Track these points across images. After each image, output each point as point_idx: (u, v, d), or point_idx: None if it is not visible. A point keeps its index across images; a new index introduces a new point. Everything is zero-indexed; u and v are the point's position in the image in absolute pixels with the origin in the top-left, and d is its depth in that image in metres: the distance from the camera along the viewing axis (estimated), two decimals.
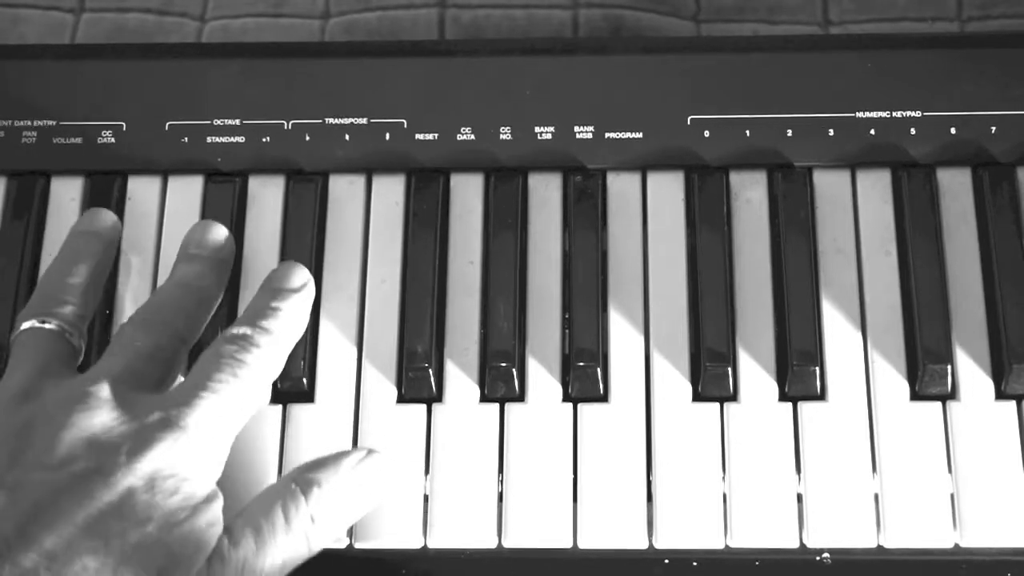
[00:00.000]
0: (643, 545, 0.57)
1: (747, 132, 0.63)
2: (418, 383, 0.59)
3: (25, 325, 0.58)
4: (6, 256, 0.63)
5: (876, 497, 0.57)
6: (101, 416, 0.53)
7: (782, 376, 0.59)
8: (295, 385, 0.60)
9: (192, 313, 0.59)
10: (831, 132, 0.62)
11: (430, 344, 0.60)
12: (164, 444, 0.52)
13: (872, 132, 0.62)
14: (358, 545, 0.57)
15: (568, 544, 0.57)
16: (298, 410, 0.59)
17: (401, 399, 0.60)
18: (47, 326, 0.57)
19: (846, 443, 0.58)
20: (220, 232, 0.61)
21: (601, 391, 0.59)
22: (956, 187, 0.62)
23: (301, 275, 0.60)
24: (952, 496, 0.57)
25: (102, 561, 0.50)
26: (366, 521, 0.57)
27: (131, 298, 0.62)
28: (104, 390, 0.54)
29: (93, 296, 0.60)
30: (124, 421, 0.53)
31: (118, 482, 0.51)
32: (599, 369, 0.59)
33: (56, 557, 0.49)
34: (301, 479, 0.55)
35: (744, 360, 0.59)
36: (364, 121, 0.64)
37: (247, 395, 0.56)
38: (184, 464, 0.53)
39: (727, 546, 0.57)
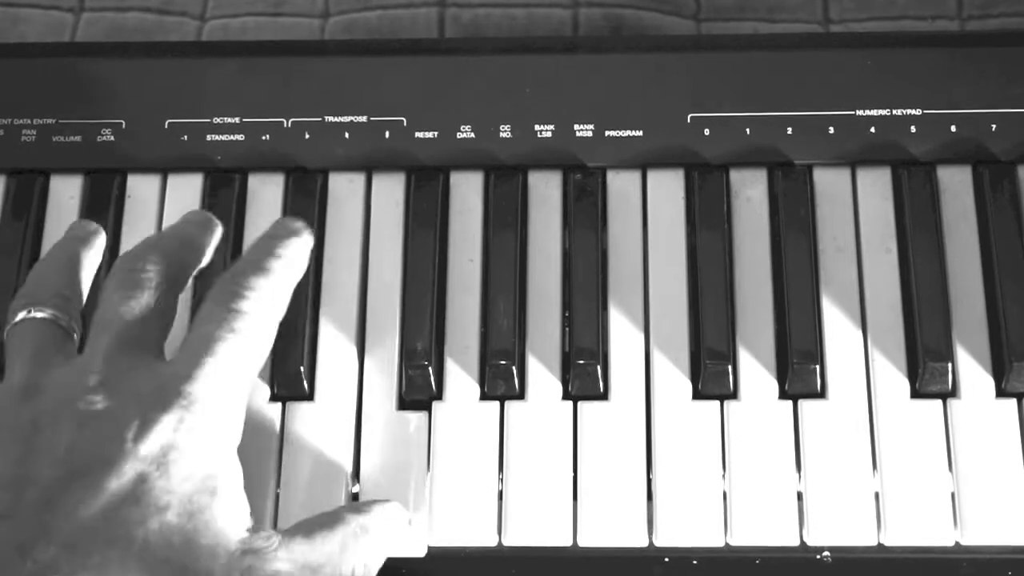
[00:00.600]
0: (643, 543, 0.57)
1: (747, 130, 0.63)
2: (418, 381, 0.59)
3: (17, 317, 0.56)
4: (5, 254, 0.63)
5: (876, 495, 0.57)
6: (102, 403, 0.52)
7: (782, 374, 0.59)
8: (295, 383, 0.59)
9: (174, 256, 0.57)
10: (831, 130, 0.62)
11: (430, 342, 0.59)
12: (169, 422, 0.51)
13: (872, 130, 0.62)
14: None
15: (568, 542, 0.57)
16: (298, 409, 0.59)
17: (401, 397, 0.60)
18: (38, 315, 0.56)
19: (846, 441, 0.58)
20: (202, 214, 0.60)
21: (601, 389, 0.59)
22: (956, 185, 0.62)
23: (298, 223, 0.58)
24: (952, 494, 0.57)
25: (122, 550, 0.49)
26: None
27: None
28: (102, 374, 0.53)
29: (82, 282, 0.59)
30: (126, 403, 0.52)
31: (126, 469, 0.50)
32: (599, 367, 0.59)
33: (75, 549, 0.48)
34: (359, 522, 0.54)
35: (744, 358, 0.59)
36: (364, 119, 0.64)
37: (250, 348, 0.54)
38: (196, 439, 0.51)
39: (727, 544, 0.57)
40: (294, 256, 0.57)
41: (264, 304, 0.55)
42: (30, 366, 0.55)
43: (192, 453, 0.51)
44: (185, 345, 0.54)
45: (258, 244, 0.57)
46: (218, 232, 0.60)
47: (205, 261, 0.59)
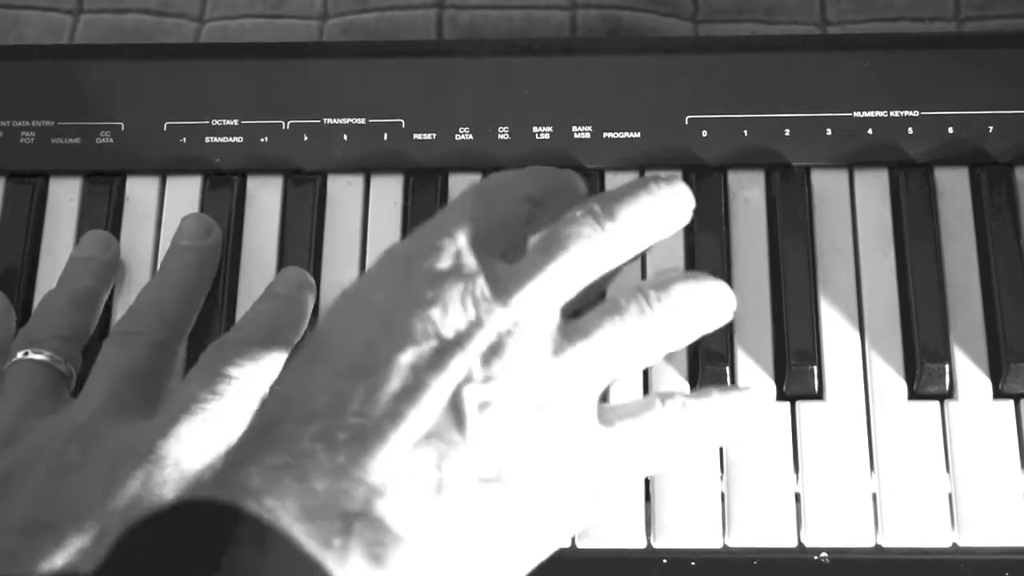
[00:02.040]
0: (641, 545, 0.57)
1: (745, 132, 0.63)
2: None
3: (15, 357, 0.57)
4: (4, 257, 0.63)
5: (874, 496, 0.57)
6: (75, 457, 0.52)
7: (780, 375, 0.59)
8: None
9: (170, 315, 0.58)
10: (829, 132, 0.63)
11: None
12: (137, 478, 0.51)
13: (870, 132, 0.62)
14: None
15: (567, 544, 0.57)
16: None
17: None
18: (36, 357, 0.57)
19: (844, 442, 0.58)
20: (202, 220, 0.61)
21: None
22: (954, 187, 0.62)
23: (301, 277, 0.60)
24: (950, 495, 0.57)
25: None
26: None
27: (129, 300, 0.62)
28: (81, 429, 0.53)
29: (88, 319, 0.60)
30: (98, 459, 0.52)
31: (89, 525, 0.50)
32: None
33: None
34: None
35: (742, 360, 0.59)
36: (362, 121, 0.64)
37: (231, 411, 0.54)
38: (163, 496, 0.51)
39: (725, 546, 0.57)
40: (294, 321, 0.58)
41: (255, 371, 0.55)
42: (16, 413, 0.55)
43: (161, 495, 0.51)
44: (168, 402, 0.55)
45: (260, 305, 0.58)
46: (217, 249, 0.61)
47: (210, 284, 0.61)
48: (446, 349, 0.45)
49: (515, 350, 0.46)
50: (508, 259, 0.49)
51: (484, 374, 0.45)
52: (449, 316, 0.46)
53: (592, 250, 0.48)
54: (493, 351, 0.46)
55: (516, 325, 0.47)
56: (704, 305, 0.48)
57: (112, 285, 0.62)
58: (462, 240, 0.48)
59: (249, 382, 0.55)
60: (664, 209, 0.50)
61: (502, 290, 0.47)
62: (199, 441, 0.53)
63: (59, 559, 0.49)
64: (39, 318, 0.59)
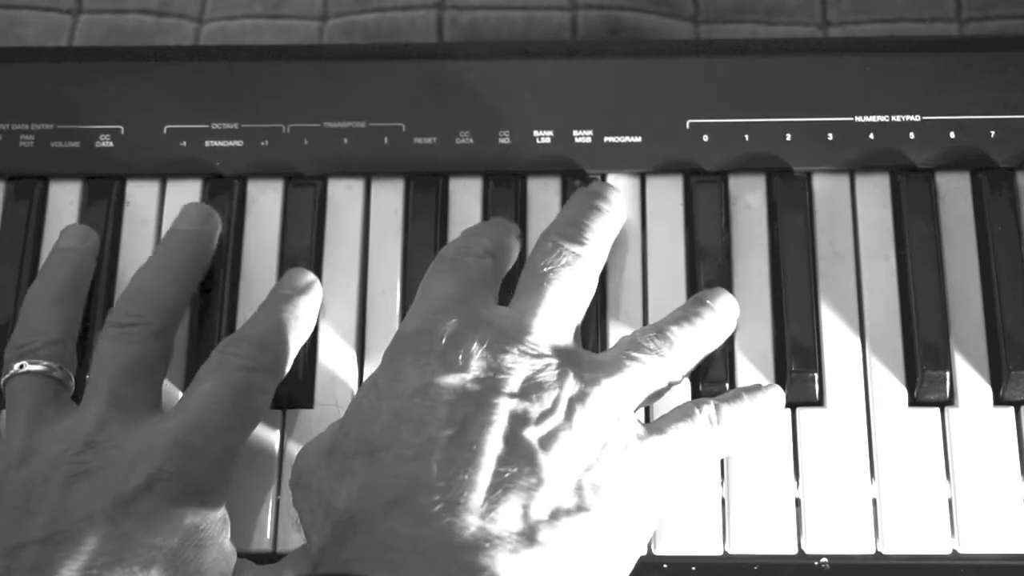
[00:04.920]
0: (642, 551, 0.57)
1: (746, 136, 0.63)
2: None
3: (12, 370, 0.57)
4: (5, 260, 0.62)
5: (874, 503, 0.57)
6: (89, 464, 0.53)
7: (781, 382, 0.59)
8: (294, 390, 0.59)
9: (166, 303, 0.58)
10: (830, 136, 0.62)
11: None
12: (153, 478, 0.52)
13: (871, 136, 0.62)
14: None
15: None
16: (297, 416, 0.59)
17: None
18: (33, 368, 0.57)
19: (844, 449, 0.58)
20: (203, 209, 0.62)
21: None
22: (955, 191, 0.62)
23: (306, 279, 0.60)
24: (950, 502, 0.57)
25: None
26: None
27: None
28: (91, 436, 0.54)
29: (74, 311, 0.60)
30: (113, 463, 0.53)
31: (109, 529, 0.51)
32: None
33: None
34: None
35: (742, 366, 0.59)
36: (362, 125, 0.64)
37: (246, 402, 0.56)
38: (181, 494, 0.52)
39: (725, 552, 0.57)
40: (300, 316, 0.59)
41: (265, 363, 0.57)
42: (25, 428, 0.55)
43: (177, 508, 0.52)
44: (182, 399, 0.56)
45: (268, 301, 0.59)
46: (215, 237, 0.62)
47: (205, 269, 0.61)
48: (486, 403, 0.50)
49: (550, 381, 0.50)
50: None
51: (532, 411, 0.50)
52: (476, 373, 0.51)
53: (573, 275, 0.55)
54: (530, 388, 0.49)
55: (540, 358, 0.51)
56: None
57: (92, 274, 0.61)
58: (452, 302, 0.53)
59: (260, 371, 0.56)
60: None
61: (514, 333, 0.52)
62: (214, 434, 0.54)
63: (79, 563, 0.50)
64: (27, 321, 0.59)
